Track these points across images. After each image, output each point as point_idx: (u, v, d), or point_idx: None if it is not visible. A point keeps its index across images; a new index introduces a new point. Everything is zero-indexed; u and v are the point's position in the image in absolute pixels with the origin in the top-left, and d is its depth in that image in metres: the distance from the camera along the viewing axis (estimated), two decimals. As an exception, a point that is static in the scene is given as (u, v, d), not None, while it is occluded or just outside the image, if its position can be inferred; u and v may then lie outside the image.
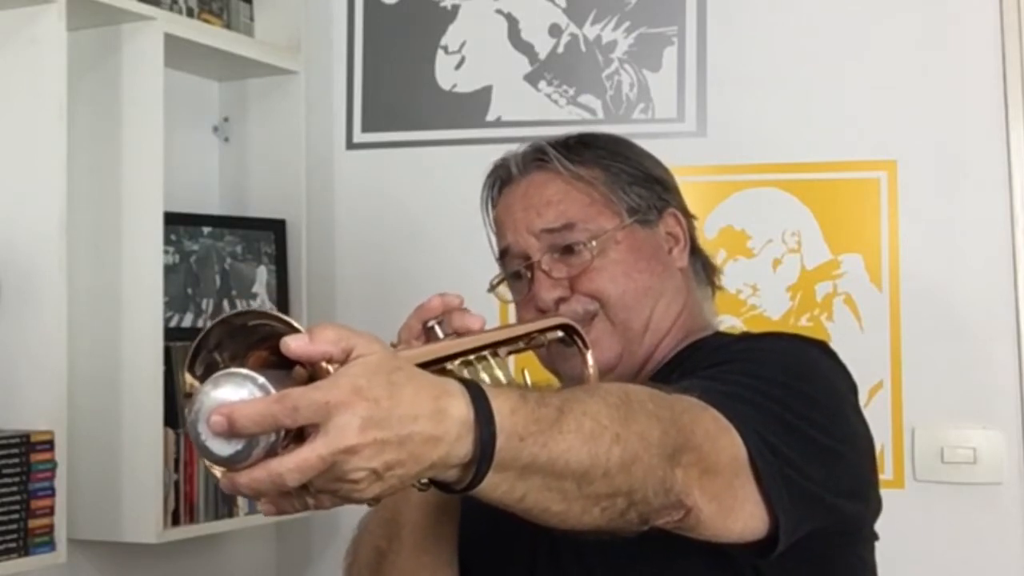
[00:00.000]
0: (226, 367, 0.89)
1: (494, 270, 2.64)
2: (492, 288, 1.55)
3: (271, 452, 0.85)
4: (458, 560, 1.41)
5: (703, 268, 1.55)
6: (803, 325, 2.40)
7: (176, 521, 2.25)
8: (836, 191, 2.42)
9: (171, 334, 2.28)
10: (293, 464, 0.84)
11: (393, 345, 1.25)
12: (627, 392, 1.05)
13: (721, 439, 1.12)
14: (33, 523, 1.92)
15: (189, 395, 0.88)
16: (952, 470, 2.31)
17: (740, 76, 2.49)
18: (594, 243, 1.42)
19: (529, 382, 1.24)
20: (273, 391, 0.85)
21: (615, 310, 1.43)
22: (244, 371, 0.86)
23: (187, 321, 2.38)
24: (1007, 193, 2.32)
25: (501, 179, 1.51)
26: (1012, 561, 2.29)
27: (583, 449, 0.97)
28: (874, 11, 2.42)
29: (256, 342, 0.91)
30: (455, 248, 2.60)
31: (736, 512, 1.13)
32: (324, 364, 0.88)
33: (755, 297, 2.43)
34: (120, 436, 2.16)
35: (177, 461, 2.25)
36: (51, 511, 1.95)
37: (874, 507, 1.37)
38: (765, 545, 1.17)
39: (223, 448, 0.84)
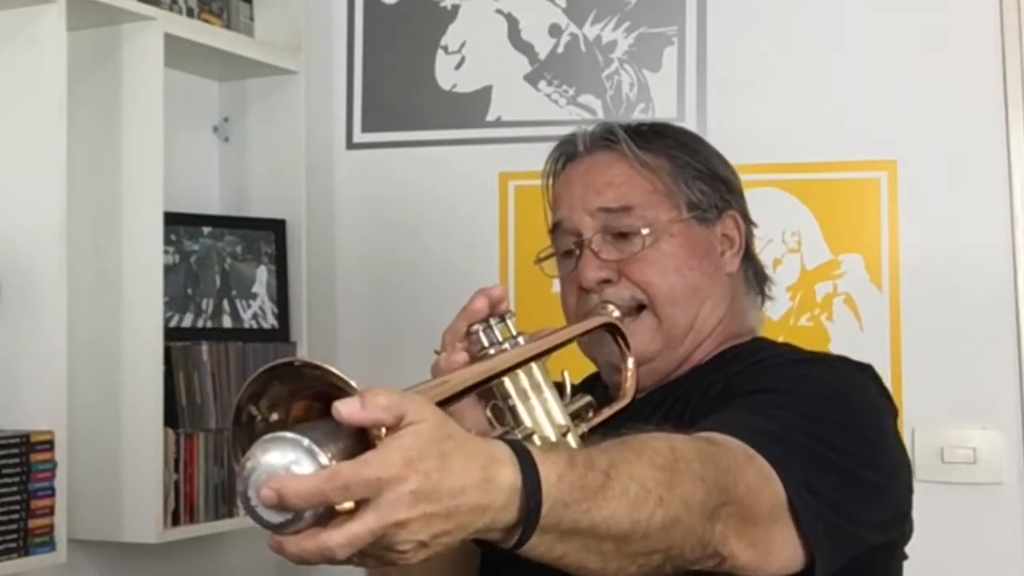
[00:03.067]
0: (264, 418, 0.89)
1: (493, 268, 2.64)
2: (538, 261, 1.51)
3: (322, 518, 0.85)
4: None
5: (754, 275, 1.52)
6: (803, 325, 2.40)
7: (176, 521, 2.24)
8: (836, 191, 2.42)
9: (171, 334, 2.28)
10: (343, 539, 0.84)
11: (436, 352, 1.24)
12: (674, 450, 1.04)
13: (764, 492, 1.11)
14: (33, 523, 1.92)
15: (239, 461, 0.87)
16: (952, 470, 2.31)
17: (740, 76, 2.49)
18: (648, 231, 1.40)
19: (568, 383, 1.25)
20: (320, 455, 0.84)
21: (662, 305, 1.40)
22: (290, 435, 0.85)
23: (187, 321, 2.38)
24: (1007, 193, 2.32)
25: (567, 154, 1.48)
26: (1012, 561, 2.29)
27: (625, 515, 0.97)
28: (874, 11, 2.42)
29: (300, 389, 0.90)
30: (455, 248, 2.60)
31: (774, 555, 1.13)
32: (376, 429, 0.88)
33: (755, 297, 2.43)
34: (120, 436, 2.16)
35: (177, 461, 2.25)
36: (51, 511, 1.95)
37: (909, 529, 1.37)
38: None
39: (274, 517, 0.84)
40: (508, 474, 0.90)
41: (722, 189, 1.48)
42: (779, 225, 2.43)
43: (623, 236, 1.41)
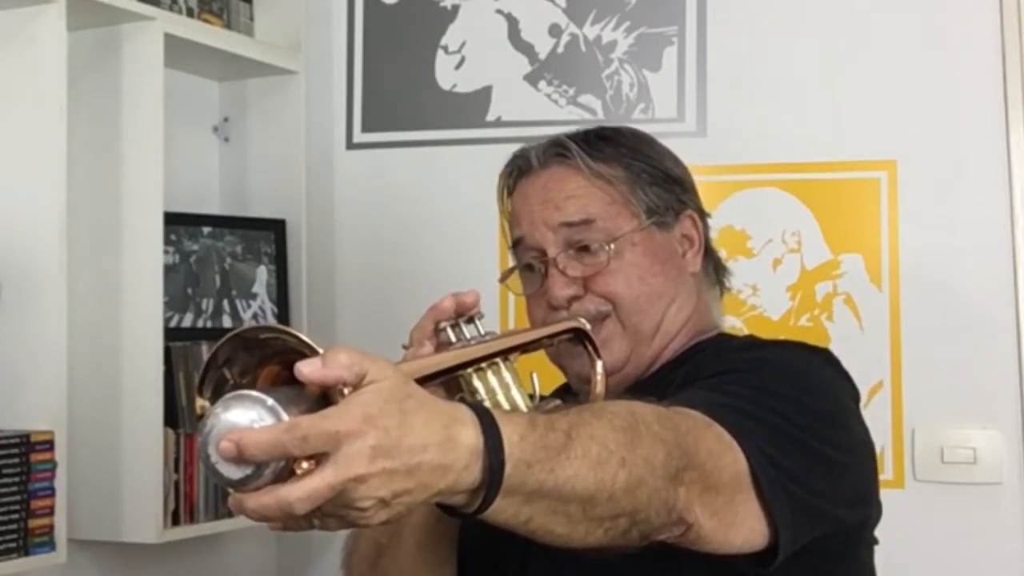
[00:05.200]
0: (236, 383, 0.89)
1: (493, 269, 2.63)
2: (503, 279, 1.53)
3: (281, 474, 0.85)
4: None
5: (714, 269, 1.54)
6: (803, 325, 2.40)
7: (176, 521, 2.25)
8: (836, 191, 2.42)
9: (171, 334, 2.28)
10: (302, 492, 0.84)
11: (405, 347, 1.25)
12: (633, 413, 1.05)
13: (724, 457, 1.12)
14: (33, 523, 1.92)
15: (201, 416, 0.88)
16: (952, 470, 2.31)
17: (740, 76, 2.49)
18: (611, 246, 1.41)
19: (537, 386, 1.25)
20: (283, 413, 0.84)
21: (627, 313, 1.42)
22: (254, 393, 0.85)
23: (187, 321, 2.38)
24: (1007, 193, 2.32)
25: (520, 168, 1.50)
26: (1012, 561, 2.29)
27: (589, 475, 0.97)
28: (874, 11, 2.42)
29: (268, 356, 0.91)
30: (455, 248, 2.60)
31: (737, 527, 1.14)
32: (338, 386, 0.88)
33: (755, 297, 2.43)
34: (120, 436, 2.16)
35: (177, 461, 2.25)
36: (51, 511, 1.95)
37: (875, 513, 1.38)
38: (765, 555, 1.17)
39: (233, 472, 0.84)
40: (470, 434, 0.91)
41: (677, 190, 1.49)
42: (779, 225, 2.44)
43: (586, 249, 1.42)
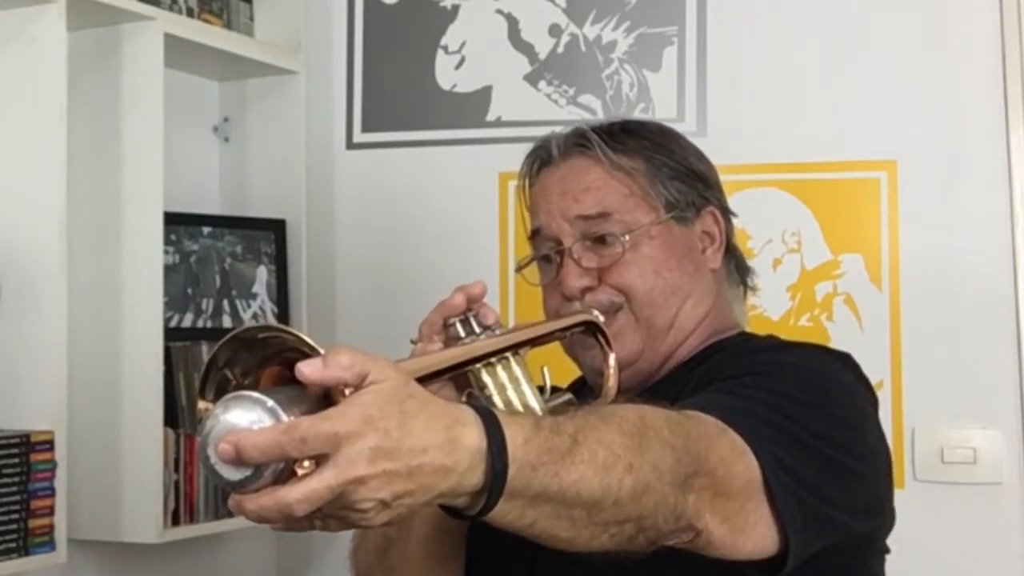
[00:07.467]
0: (238, 384, 0.89)
1: (493, 268, 2.64)
2: (519, 269, 1.52)
3: (282, 476, 0.85)
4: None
5: (736, 268, 1.53)
6: (803, 325, 2.41)
7: (176, 521, 2.25)
8: (836, 191, 2.42)
9: (171, 334, 2.28)
10: (301, 494, 0.83)
11: (413, 342, 1.25)
12: (643, 418, 1.04)
13: (736, 464, 1.11)
14: (33, 523, 1.92)
15: (201, 420, 0.87)
16: (952, 470, 2.31)
17: (740, 76, 2.49)
18: (627, 237, 1.40)
19: (548, 379, 1.25)
20: (283, 414, 0.84)
21: (640, 306, 1.41)
22: (254, 394, 0.85)
23: (187, 321, 2.38)
24: (1007, 193, 2.32)
25: (541, 159, 1.49)
26: (1012, 561, 2.29)
27: (595, 479, 0.96)
28: (874, 11, 2.42)
29: (269, 356, 0.90)
30: (455, 248, 2.60)
31: (747, 533, 1.13)
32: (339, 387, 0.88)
33: (755, 297, 2.42)
34: (120, 436, 2.16)
35: (177, 461, 2.25)
36: (51, 511, 1.96)
37: (888, 521, 1.36)
38: (775, 562, 1.16)
39: (232, 473, 0.84)
40: (472, 435, 0.90)
41: (699, 186, 1.47)
42: (779, 225, 2.44)
43: (602, 241, 1.41)
